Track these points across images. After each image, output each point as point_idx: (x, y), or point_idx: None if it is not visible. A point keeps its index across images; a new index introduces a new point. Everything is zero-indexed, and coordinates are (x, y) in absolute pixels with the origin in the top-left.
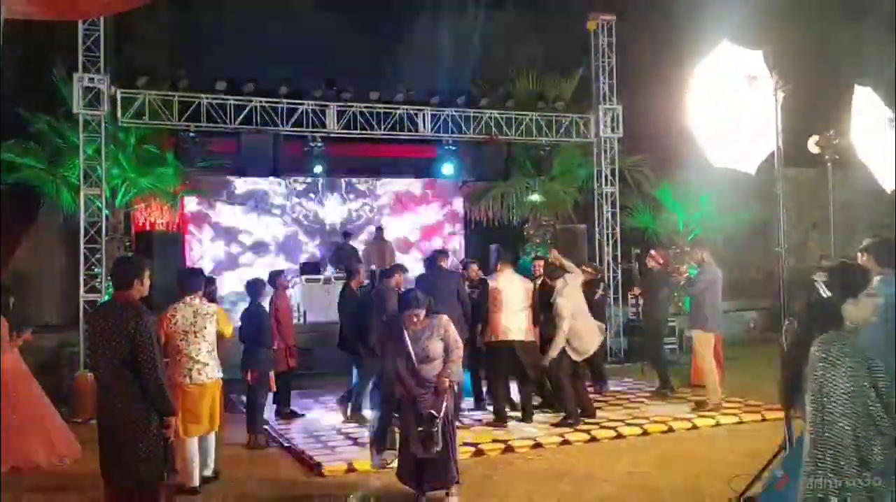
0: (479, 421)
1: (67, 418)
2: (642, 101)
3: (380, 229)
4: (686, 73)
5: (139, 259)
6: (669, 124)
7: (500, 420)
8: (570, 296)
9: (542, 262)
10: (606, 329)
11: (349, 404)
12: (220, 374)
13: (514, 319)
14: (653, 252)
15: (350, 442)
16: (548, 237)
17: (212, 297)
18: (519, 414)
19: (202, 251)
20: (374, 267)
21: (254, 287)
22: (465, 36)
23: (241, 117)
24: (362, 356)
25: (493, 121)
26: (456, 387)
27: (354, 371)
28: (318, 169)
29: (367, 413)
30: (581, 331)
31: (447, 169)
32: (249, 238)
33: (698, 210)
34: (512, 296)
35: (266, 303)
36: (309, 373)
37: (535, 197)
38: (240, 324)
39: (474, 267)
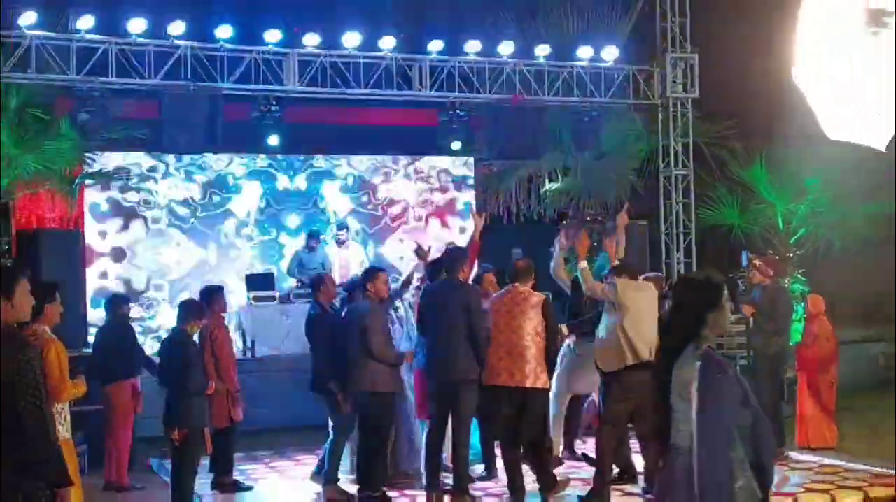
0: (497, 495)
1: None
2: (726, 47)
3: (342, 227)
4: (789, 7)
5: (11, 269)
6: (765, 79)
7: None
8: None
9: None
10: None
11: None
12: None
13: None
14: (757, 261)
15: None
16: (593, 237)
17: (122, 322)
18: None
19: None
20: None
21: (187, 309)
22: None
23: (165, 69)
24: (338, 402)
25: (518, 75)
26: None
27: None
28: (272, 141)
29: (347, 485)
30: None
31: (453, 143)
32: (179, 240)
33: (804, 200)
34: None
35: (190, 328)
36: (259, 428)
37: (576, 181)
38: (158, 358)
39: (490, 277)
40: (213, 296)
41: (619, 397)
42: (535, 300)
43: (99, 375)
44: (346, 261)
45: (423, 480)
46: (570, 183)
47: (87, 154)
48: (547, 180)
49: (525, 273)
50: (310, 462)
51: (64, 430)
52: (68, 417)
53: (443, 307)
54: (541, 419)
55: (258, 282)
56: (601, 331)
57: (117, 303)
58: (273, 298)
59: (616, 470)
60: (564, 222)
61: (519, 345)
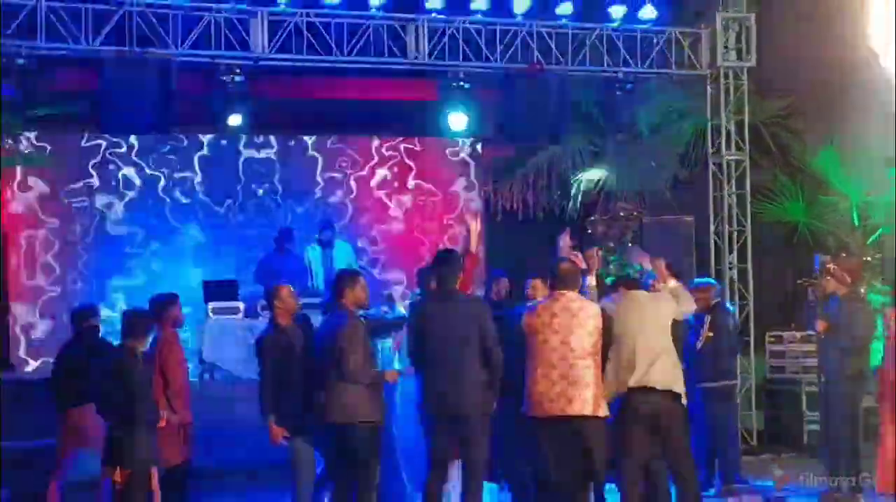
0: None
1: None
2: (789, 6)
3: (327, 226)
4: None
5: None
6: (836, 46)
7: None
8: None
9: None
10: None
11: None
12: None
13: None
14: (831, 266)
15: None
16: (628, 237)
17: (89, 336)
18: None
19: (43, 268)
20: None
21: (132, 322)
22: None
23: (105, 33)
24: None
25: (536, 39)
26: None
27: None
28: (235, 120)
29: None
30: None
31: (455, 121)
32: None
33: (884, 192)
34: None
35: (136, 347)
36: (219, 469)
37: (605, 169)
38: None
39: (503, 282)
40: (164, 307)
41: (625, 426)
42: (592, 311)
43: (56, 400)
44: (331, 266)
45: None
46: (599, 170)
47: (15, 133)
48: (571, 167)
49: (573, 277)
50: None
51: None
52: None
53: (445, 325)
54: (599, 454)
55: (218, 291)
56: None
57: (83, 316)
58: (236, 310)
59: None
60: (592, 219)
61: (577, 366)
